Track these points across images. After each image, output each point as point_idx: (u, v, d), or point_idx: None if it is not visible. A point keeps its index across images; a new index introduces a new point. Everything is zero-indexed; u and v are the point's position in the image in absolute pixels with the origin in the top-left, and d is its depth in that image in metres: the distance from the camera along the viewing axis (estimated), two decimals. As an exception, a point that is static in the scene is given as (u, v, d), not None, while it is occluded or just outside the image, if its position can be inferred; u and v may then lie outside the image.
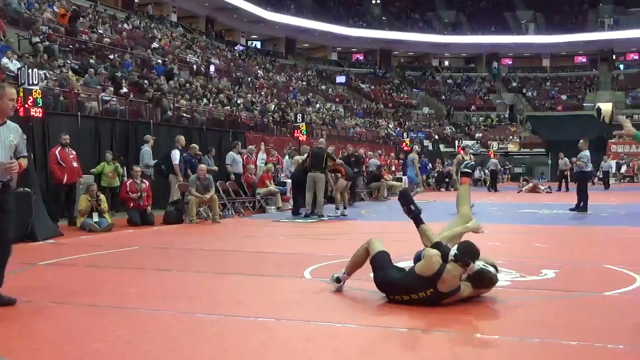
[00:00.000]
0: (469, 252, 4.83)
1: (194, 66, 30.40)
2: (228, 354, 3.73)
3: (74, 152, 12.34)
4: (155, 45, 29.71)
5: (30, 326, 4.47)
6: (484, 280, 4.94)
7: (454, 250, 4.83)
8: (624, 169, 40.71)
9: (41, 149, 13.11)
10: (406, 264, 5.25)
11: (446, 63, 63.16)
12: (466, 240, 5.06)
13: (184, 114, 20.09)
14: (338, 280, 5.42)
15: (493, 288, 5.19)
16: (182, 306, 4.98)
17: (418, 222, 5.44)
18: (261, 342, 3.95)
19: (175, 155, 13.76)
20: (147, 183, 12.83)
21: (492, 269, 5.00)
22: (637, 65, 58.28)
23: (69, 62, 19.10)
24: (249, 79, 35.80)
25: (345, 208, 14.84)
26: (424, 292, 4.80)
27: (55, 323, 4.53)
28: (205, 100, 24.09)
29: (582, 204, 15.24)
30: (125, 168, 14.45)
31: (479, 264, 4.91)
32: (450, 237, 5.33)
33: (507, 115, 54.38)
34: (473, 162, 6.77)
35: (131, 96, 18.27)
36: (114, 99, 17.28)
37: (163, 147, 15.13)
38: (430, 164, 32.97)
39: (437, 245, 5.02)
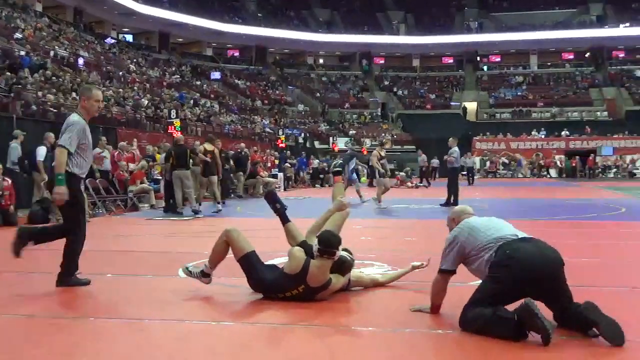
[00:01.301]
0: (330, 243, 4.84)
1: (62, 59, 29.11)
2: (100, 356, 3.61)
3: None
4: (18, 35, 28.16)
5: None
6: (341, 265, 5.06)
7: (315, 244, 4.88)
8: (487, 165, 42.99)
9: None
10: (280, 260, 5.29)
11: (321, 61, 64.05)
12: (324, 231, 5.10)
13: (51, 109, 19.20)
14: (205, 274, 5.38)
15: (366, 282, 5.39)
16: (51, 309, 4.78)
17: (284, 220, 5.59)
18: (135, 345, 3.86)
19: (41, 151, 13.09)
20: (10, 181, 12.15)
21: (345, 253, 5.15)
22: (499, 67, 61.67)
23: None
24: (121, 73, 34.70)
25: (218, 204, 14.84)
26: (296, 290, 4.86)
27: None
28: (73, 95, 23.12)
29: (452, 198, 15.92)
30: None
31: (342, 252, 5.05)
32: (319, 224, 5.45)
33: (379, 113, 55.87)
34: (341, 160, 7.06)
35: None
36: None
37: (27, 143, 14.38)
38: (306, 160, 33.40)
39: (301, 244, 5.12)
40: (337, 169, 6.28)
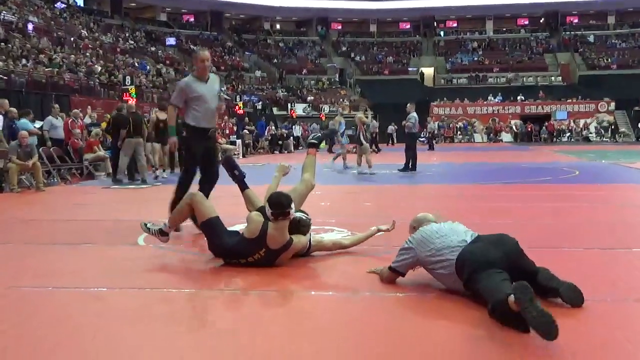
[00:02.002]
0: (280, 203, 4.79)
1: (10, 24, 28.20)
2: (59, 328, 3.57)
3: None
4: (-37, 0, 27.20)
5: None
6: (302, 227, 5.07)
7: (267, 207, 4.83)
8: (443, 130, 43.39)
9: None
10: (242, 226, 5.27)
11: (278, 26, 63.40)
12: (272, 193, 5.05)
13: (1, 76, 18.65)
14: (163, 232, 5.37)
15: (329, 246, 5.42)
16: (5, 280, 4.69)
17: (242, 186, 5.60)
18: (94, 313, 3.82)
19: None
20: (-40, 151, 11.83)
21: (300, 213, 5.16)
22: (455, 33, 61.89)
23: None
24: (72, 39, 33.79)
25: (164, 172, 15.02)
26: (257, 254, 4.86)
27: None
28: (24, 61, 22.48)
29: (410, 163, 16.05)
30: None
31: (297, 213, 5.05)
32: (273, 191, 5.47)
33: (337, 79, 55.73)
34: (320, 134, 7.07)
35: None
36: None
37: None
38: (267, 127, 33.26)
39: (260, 210, 5.11)
40: (313, 141, 6.23)
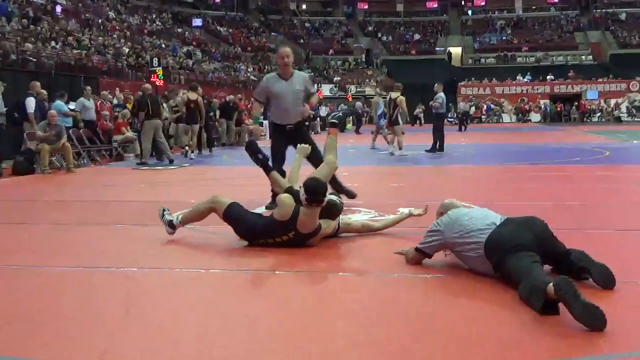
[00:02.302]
0: (316, 190, 4.78)
1: (40, 6, 28.40)
2: (92, 305, 3.62)
3: None
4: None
5: None
6: (334, 208, 5.07)
7: (302, 192, 4.81)
8: (472, 110, 43.00)
9: None
10: (263, 209, 5.27)
11: (304, 6, 63.07)
12: (310, 179, 5.02)
13: (30, 58, 18.83)
14: (172, 225, 5.37)
15: (357, 227, 5.41)
16: (39, 260, 4.77)
17: (267, 169, 5.58)
18: (126, 292, 3.86)
19: (30, 103, 12.97)
20: (-8, 132, 12.01)
21: (334, 197, 5.17)
22: (483, 12, 61.07)
23: None
24: (100, 20, 33.99)
25: (192, 152, 15.16)
26: (286, 236, 4.87)
27: None
28: (53, 43, 22.68)
29: (438, 144, 15.94)
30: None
31: (331, 196, 5.05)
32: (295, 172, 5.49)
33: (364, 59, 55.42)
34: (340, 114, 7.18)
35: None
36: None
37: (8, 93, 14.14)
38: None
39: (289, 190, 5.10)
40: (333, 120, 6.22)
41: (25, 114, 12.88)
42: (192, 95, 15.13)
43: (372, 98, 17.21)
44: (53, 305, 3.64)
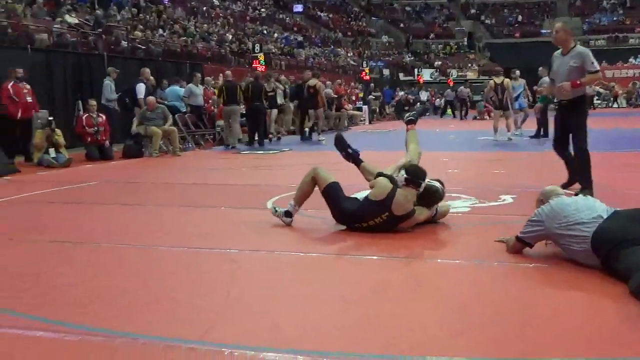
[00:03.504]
0: (417, 173, 4.93)
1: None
2: (196, 285, 3.76)
3: (28, 87, 11.89)
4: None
5: (-8, 264, 4.43)
6: (432, 195, 5.05)
7: (402, 174, 4.92)
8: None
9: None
10: (363, 194, 5.29)
11: (405, -10, 62.41)
12: (411, 164, 5.14)
13: (139, 45, 19.58)
14: (289, 214, 5.42)
15: (451, 213, 5.36)
16: (147, 240, 4.98)
17: (358, 162, 5.57)
18: (228, 274, 3.98)
19: (141, 88, 13.63)
20: (104, 117, 12.60)
21: (437, 184, 5.13)
22: (593, -9, 58.39)
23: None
24: (204, 8, 34.88)
25: (318, 134, 16.56)
26: (379, 217, 4.89)
27: (19, 260, 4.49)
28: (160, 31, 23.47)
29: (542, 130, 15.45)
30: (80, 102, 14.11)
31: (435, 183, 5.07)
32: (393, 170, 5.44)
33: (465, 43, 54.28)
34: (420, 109, 6.97)
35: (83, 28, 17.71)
36: (65, 30, 16.72)
37: (117, 80, 14.79)
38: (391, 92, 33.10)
39: (380, 174, 5.14)
40: (411, 117, 6.11)
41: (136, 99, 13.51)
42: (312, 82, 16.42)
43: (490, 80, 16.65)
44: (158, 284, 3.80)
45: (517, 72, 16.36)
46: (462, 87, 31.12)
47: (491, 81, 15.76)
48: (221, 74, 17.18)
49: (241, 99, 15.11)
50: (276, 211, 5.51)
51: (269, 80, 16.85)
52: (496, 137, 14.96)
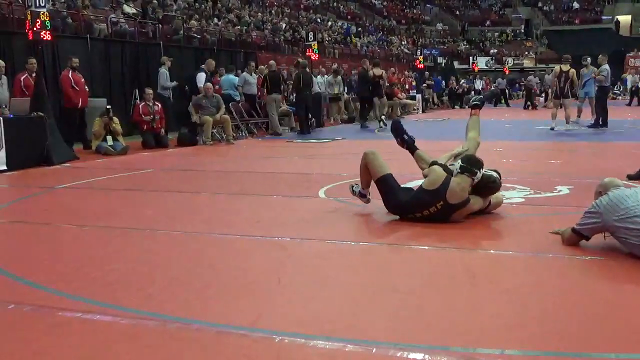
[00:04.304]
0: (473, 162, 4.88)
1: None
2: (246, 272, 3.79)
3: (81, 76, 12.22)
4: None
5: (50, 248, 4.55)
6: (489, 185, 4.98)
7: (458, 162, 4.89)
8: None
9: (51, 73, 12.99)
10: (417, 182, 5.24)
11: (460, -23, 61.47)
12: (468, 154, 5.11)
13: (194, 35, 19.79)
14: (362, 194, 5.47)
15: (505, 204, 5.27)
16: (199, 227, 5.05)
17: (413, 149, 5.52)
18: (278, 261, 4.01)
19: (201, 77, 13.89)
20: (160, 106, 12.79)
21: (494, 173, 5.07)
22: (658, -25, 56.42)
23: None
24: (259, -4, 35.03)
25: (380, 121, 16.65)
26: (434, 206, 4.84)
27: (75, 245, 4.62)
28: (215, 20, 23.68)
29: (600, 120, 15.06)
30: (137, 90, 14.37)
31: (492, 173, 5.02)
32: (447, 158, 5.38)
33: (522, 30, 53.19)
34: (487, 94, 6.81)
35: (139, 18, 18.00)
36: (123, 20, 17.03)
37: (173, 68, 15.00)
38: (443, 82, 32.66)
39: (434, 162, 5.11)
40: (476, 102, 6.01)
41: (195, 87, 13.74)
42: (377, 71, 16.96)
43: (553, 67, 16.15)
44: (210, 270, 3.85)
45: (589, 60, 15.90)
46: (530, 77, 30.55)
47: (557, 67, 15.28)
48: (275, 62, 17.24)
49: (287, 88, 15.39)
50: (353, 191, 5.52)
51: (375, 68, 17.22)
52: (554, 125, 14.60)
